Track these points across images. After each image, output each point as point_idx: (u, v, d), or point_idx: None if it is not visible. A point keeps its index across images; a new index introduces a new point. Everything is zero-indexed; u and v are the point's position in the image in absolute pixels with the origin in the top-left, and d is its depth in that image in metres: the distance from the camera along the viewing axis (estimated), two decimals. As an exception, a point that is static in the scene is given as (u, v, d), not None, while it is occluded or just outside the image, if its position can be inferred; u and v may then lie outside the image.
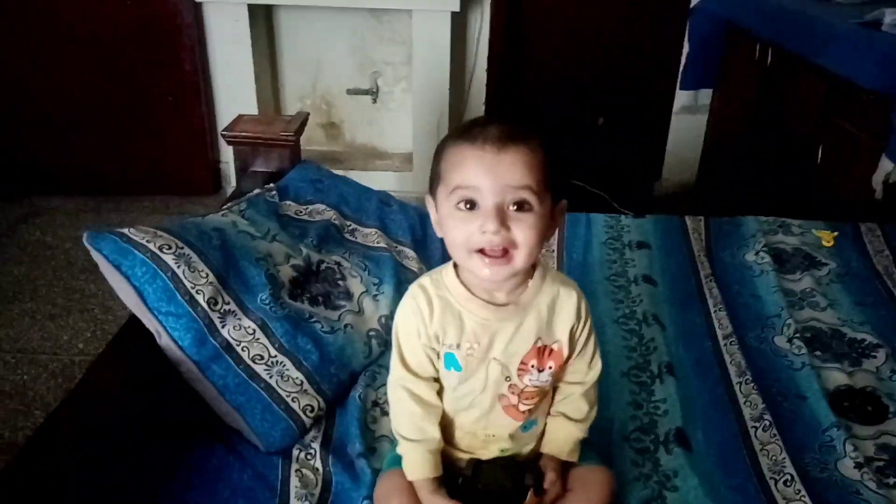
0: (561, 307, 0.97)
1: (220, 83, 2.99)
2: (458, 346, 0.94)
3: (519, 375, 0.96)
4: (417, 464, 0.96)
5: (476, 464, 0.97)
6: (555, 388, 1.03)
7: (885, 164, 1.85)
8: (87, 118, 2.98)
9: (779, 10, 2.39)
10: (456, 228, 0.88)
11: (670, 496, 1.04)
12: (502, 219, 0.85)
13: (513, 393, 0.96)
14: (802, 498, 1.04)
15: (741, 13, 2.64)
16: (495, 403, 0.97)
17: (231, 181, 2.82)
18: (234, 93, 2.92)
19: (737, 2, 2.68)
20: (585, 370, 1.02)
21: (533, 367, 0.96)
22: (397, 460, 1.00)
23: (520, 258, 0.87)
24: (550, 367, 0.97)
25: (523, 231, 0.86)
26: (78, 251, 2.56)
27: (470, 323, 0.94)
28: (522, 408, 0.97)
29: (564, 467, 1.00)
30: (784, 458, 1.11)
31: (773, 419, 1.19)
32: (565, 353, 0.98)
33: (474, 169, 0.85)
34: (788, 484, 1.07)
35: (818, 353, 1.36)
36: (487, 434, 0.99)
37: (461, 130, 0.89)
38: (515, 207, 0.86)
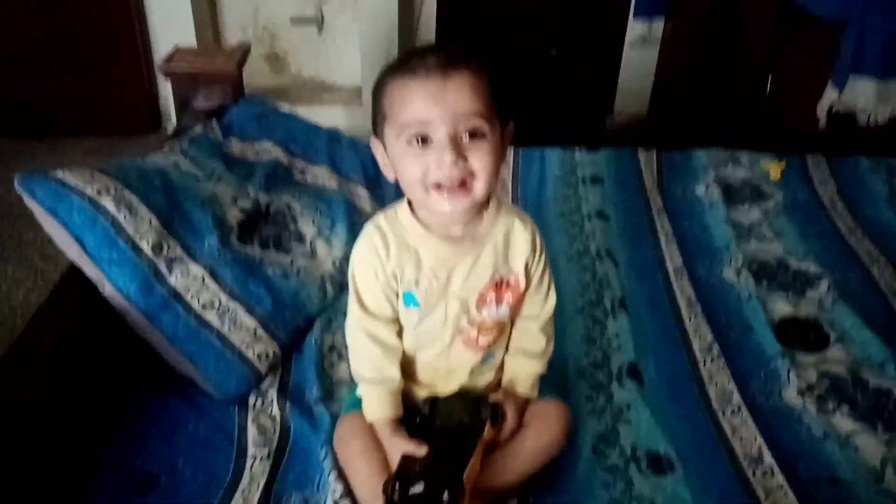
0: (516, 239, 0.97)
1: (155, 12, 2.81)
2: (417, 282, 0.94)
3: (478, 309, 0.96)
4: (377, 405, 0.96)
5: (432, 401, 0.97)
6: (512, 323, 1.03)
7: (830, 93, 1.87)
8: (12, 55, 2.78)
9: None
10: (410, 167, 0.86)
11: (623, 429, 1.07)
12: (458, 150, 0.83)
13: (471, 326, 0.97)
14: (748, 427, 1.08)
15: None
16: (455, 337, 0.97)
17: (171, 119, 2.70)
18: (170, 23, 2.75)
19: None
20: (541, 303, 1.03)
21: (491, 300, 0.96)
22: (356, 403, 1.00)
23: (479, 187, 0.87)
24: (508, 301, 0.98)
25: (480, 159, 0.85)
26: (11, 196, 2.41)
27: (427, 259, 0.93)
28: (482, 341, 0.98)
29: (523, 404, 1.01)
30: (732, 388, 1.15)
31: (722, 350, 1.23)
32: (522, 284, 0.98)
33: (421, 102, 0.83)
34: (735, 413, 1.11)
35: (764, 283, 1.40)
36: (448, 369, 0.99)
37: (399, 63, 0.86)
38: (469, 137, 0.84)
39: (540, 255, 1.00)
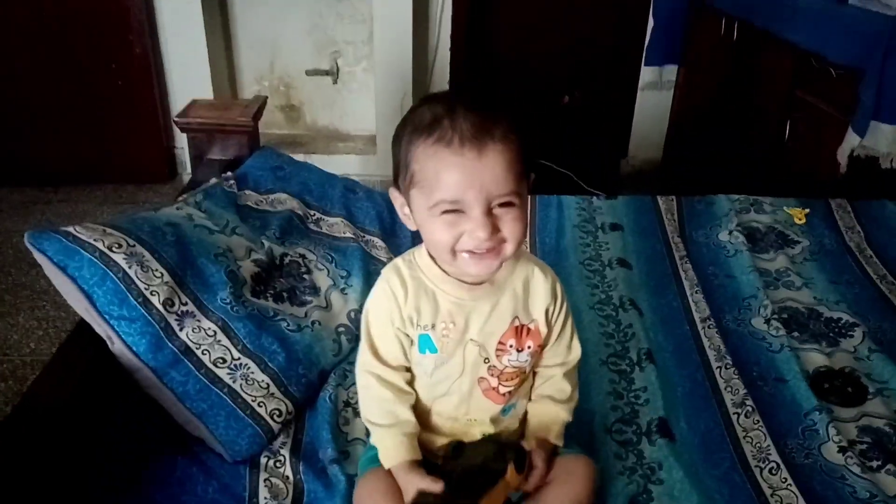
0: (536, 286, 0.96)
1: (173, 66, 2.86)
2: (434, 326, 0.92)
3: (497, 356, 0.94)
4: (392, 448, 0.93)
5: (458, 444, 0.93)
6: (534, 374, 1.01)
7: (852, 138, 1.84)
8: (34, 105, 2.83)
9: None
10: (440, 232, 0.84)
11: (656, 489, 1.01)
12: (493, 224, 0.83)
13: (492, 375, 0.94)
14: (789, 486, 1.02)
15: (705, -13, 2.61)
16: (475, 387, 0.94)
17: (187, 167, 2.72)
18: (187, 76, 2.80)
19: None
20: (565, 353, 1.01)
21: (511, 346, 0.94)
22: (373, 460, 0.96)
23: (508, 250, 0.87)
24: (529, 347, 0.95)
25: (511, 226, 0.85)
26: (24, 245, 2.43)
27: (445, 303, 0.92)
28: (503, 390, 0.95)
29: (551, 451, 0.97)
30: (768, 445, 1.09)
31: (755, 404, 1.17)
32: (543, 332, 0.97)
33: (457, 182, 0.81)
34: (774, 472, 1.04)
35: (796, 333, 1.35)
36: (469, 419, 0.96)
37: (428, 124, 0.82)
38: (500, 205, 0.83)
39: (561, 304, 0.98)
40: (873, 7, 1.84)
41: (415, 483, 0.88)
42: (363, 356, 0.95)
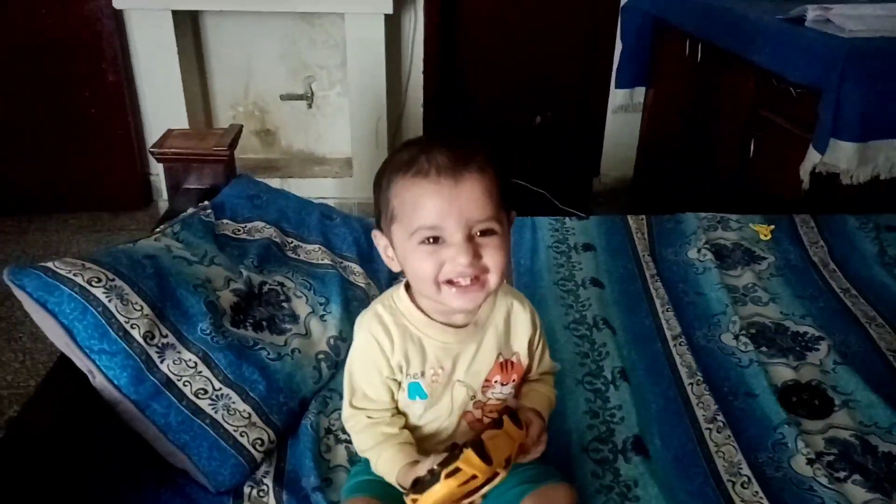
0: (516, 320, 0.98)
1: (147, 93, 2.86)
2: (423, 373, 0.93)
3: (483, 391, 0.96)
4: (390, 460, 0.91)
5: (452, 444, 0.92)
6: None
7: (813, 155, 1.90)
8: (6, 134, 2.81)
9: (706, 7, 2.44)
10: (423, 263, 0.85)
11: (632, 507, 1.04)
12: (474, 250, 0.83)
13: (476, 408, 0.96)
14: (760, 499, 1.05)
15: (670, 10, 2.68)
16: (461, 422, 0.96)
17: (163, 194, 2.72)
18: (161, 102, 2.80)
19: (666, -1, 2.72)
20: (543, 367, 1.04)
21: (497, 382, 0.96)
22: (356, 488, 0.97)
23: (492, 281, 0.87)
24: (514, 380, 0.98)
25: (492, 255, 0.85)
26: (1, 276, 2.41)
27: (431, 348, 0.92)
28: (486, 420, 0.97)
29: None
30: (740, 460, 1.12)
31: (726, 419, 1.21)
32: (525, 363, 0.99)
33: (435, 207, 0.82)
34: (746, 486, 1.08)
35: (764, 348, 1.39)
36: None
37: (406, 161, 0.85)
38: (481, 234, 0.84)
39: (541, 333, 1.02)
40: (829, 29, 1.92)
41: (420, 467, 0.86)
42: (349, 403, 0.96)
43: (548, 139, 3.29)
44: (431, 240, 0.83)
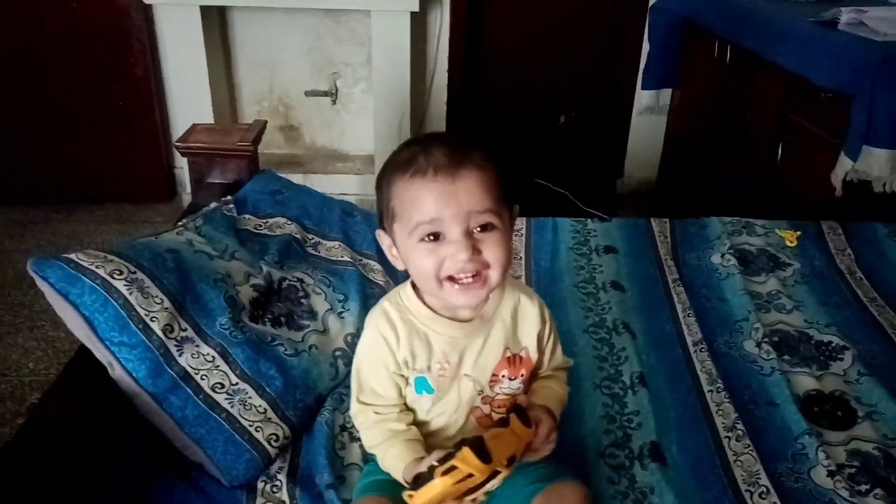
0: (524, 314, 0.98)
1: (174, 87, 2.90)
2: (429, 368, 0.93)
3: (491, 387, 0.96)
4: (398, 457, 0.92)
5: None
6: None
7: (845, 162, 1.86)
8: (34, 125, 2.87)
9: (736, 8, 2.41)
10: (424, 260, 0.86)
11: (647, 514, 1.03)
12: (472, 245, 0.84)
13: (485, 403, 0.96)
14: (778, 511, 1.03)
15: (700, 11, 2.65)
16: (469, 417, 0.96)
17: (187, 187, 2.75)
18: (188, 96, 2.83)
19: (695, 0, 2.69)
20: (555, 363, 1.04)
21: (504, 376, 0.96)
22: (368, 487, 0.97)
23: (494, 276, 0.87)
24: (522, 375, 0.98)
25: (493, 250, 0.86)
26: (26, 265, 2.45)
27: (438, 343, 0.93)
28: (495, 416, 0.97)
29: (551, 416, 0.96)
30: (758, 470, 1.11)
31: (746, 428, 1.19)
32: (534, 358, 0.99)
33: (433, 203, 0.83)
34: (764, 496, 1.06)
35: (786, 357, 1.36)
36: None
37: (405, 161, 0.86)
38: (480, 229, 0.85)
39: (551, 327, 1.01)
40: (862, 32, 1.88)
41: (425, 462, 0.85)
42: (357, 399, 0.97)
43: (572, 139, 3.27)
44: (431, 237, 0.84)
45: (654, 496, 1.05)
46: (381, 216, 0.92)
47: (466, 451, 0.80)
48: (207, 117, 2.78)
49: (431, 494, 0.80)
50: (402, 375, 0.94)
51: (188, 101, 2.82)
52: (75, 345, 1.14)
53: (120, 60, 2.81)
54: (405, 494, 0.84)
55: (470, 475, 0.80)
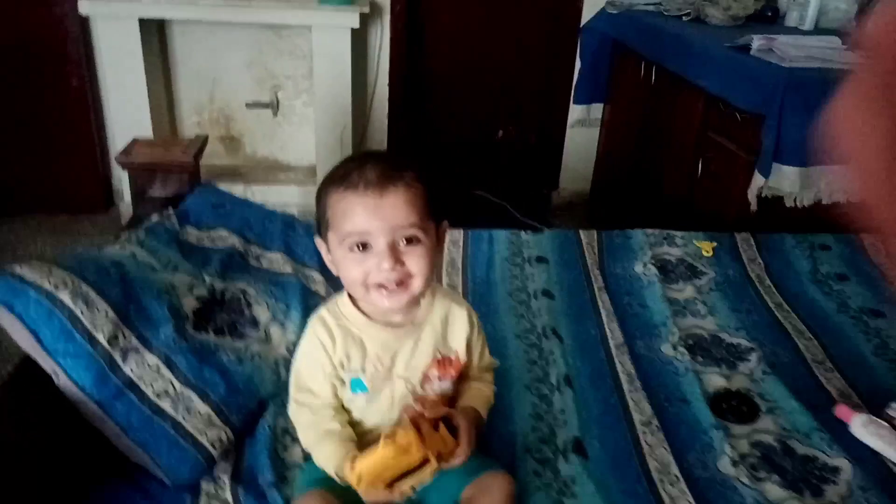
0: (454, 320, 1.07)
1: (112, 98, 2.87)
2: (364, 369, 1.01)
3: (422, 386, 1.04)
4: (333, 455, 0.97)
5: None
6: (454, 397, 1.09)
7: (758, 179, 2.01)
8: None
9: (659, 33, 2.56)
10: (352, 269, 0.94)
11: (569, 502, 1.11)
12: (396, 256, 0.93)
13: (417, 402, 1.03)
14: (686, 497, 1.13)
15: (626, 33, 2.80)
16: (401, 416, 1.03)
17: (124, 197, 2.73)
18: (126, 108, 2.81)
19: (622, 22, 2.83)
20: (483, 363, 1.13)
21: (434, 377, 1.05)
22: (309, 483, 1.02)
23: (416, 285, 0.96)
24: (452, 376, 1.06)
25: (416, 262, 0.95)
26: None
27: (371, 346, 1.01)
28: (428, 415, 1.02)
29: (475, 419, 1.04)
30: (670, 460, 1.21)
31: (661, 423, 1.29)
32: (463, 359, 1.08)
33: (362, 215, 0.92)
34: (674, 484, 1.16)
35: (700, 358, 1.48)
36: None
37: (340, 176, 0.94)
38: (405, 242, 0.94)
39: (479, 331, 1.10)
40: (772, 58, 2.03)
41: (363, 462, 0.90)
42: (294, 399, 1.03)
43: (509, 152, 3.39)
44: (360, 247, 0.93)
45: (575, 486, 1.14)
46: (319, 225, 1.00)
47: (407, 424, 0.90)
48: (146, 128, 2.77)
49: (374, 460, 0.89)
50: (339, 377, 1.01)
51: (126, 113, 2.80)
52: (15, 357, 1.16)
53: (56, 71, 2.78)
54: (348, 458, 0.92)
55: (407, 450, 0.89)
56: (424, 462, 0.90)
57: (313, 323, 1.03)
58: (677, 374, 1.43)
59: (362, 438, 1.02)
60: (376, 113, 3.17)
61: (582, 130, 3.21)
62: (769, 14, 2.64)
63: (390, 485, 0.90)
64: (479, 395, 1.09)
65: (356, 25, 2.73)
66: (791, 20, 2.52)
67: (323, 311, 1.03)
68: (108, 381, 1.09)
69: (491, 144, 3.36)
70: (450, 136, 3.27)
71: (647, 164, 2.71)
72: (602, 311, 1.63)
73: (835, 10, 2.49)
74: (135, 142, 1.72)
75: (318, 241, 1.02)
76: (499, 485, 1.03)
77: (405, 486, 0.91)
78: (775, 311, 1.67)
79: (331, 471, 0.98)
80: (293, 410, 1.05)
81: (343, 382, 1.02)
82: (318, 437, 1.01)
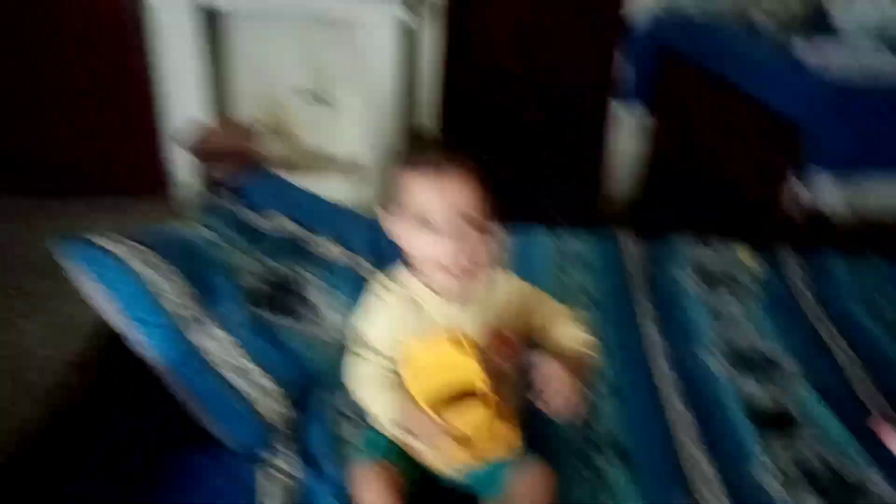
0: (512, 299, 1.12)
1: (169, 83, 2.96)
2: (421, 334, 1.05)
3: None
4: (393, 401, 1.03)
5: None
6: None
7: (803, 192, 2.01)
8: (29, 116, 2.93)
9: (709, 38, 2.56)
10: (420, 248, 1.02)
11: (606, 499, 1.16)
12: (460, 238, 0.99)
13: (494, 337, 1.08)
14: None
15: (675, 37, 2.80)
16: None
17: (178, 182, 2.83)
18: (181, 93, 2.90)
19: (671, 26, 2.84)
20: (562, 314, 1.15)
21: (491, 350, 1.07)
22: (368, 452, 1.09)
23: (478, 268, 1.03)
24: (510, 356, 1.09)
25: (478, 247, 1.01)
26: (30, 253, 2.45)
27: (434, 315, 1.06)
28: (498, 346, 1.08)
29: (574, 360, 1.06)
30: (709, 469, 1.24)
31: (700, 431, 1.32)
32: (520, 340, 1.11)
33: (429, 197, 0.99)
34: (712, 491, 1.19)
35: (739, 368, 1.49)
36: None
37: (415, 159, 1.03)
38: (472, 226, 1.00)
39: (538, 297, 1.15)
40: (817, 66, 2.01)
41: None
42: (355, 353, 1.09)
43: (554, 152, 3.41)
44: (426, 226, 1.00)
45: (615, 487, 1.18)
46: (389, 202, 1.07)
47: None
48: (198, 113, 2.84)
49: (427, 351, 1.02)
50: (399, 340, 1.06)
51: (183, 98, 2.88)
52: (81, 332, 1.23)
53: (115, 55, 2.87)
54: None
55: (460, 345, 0.99)
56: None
57: (375, 286, 1.10)
58: (717, 383, 1.45)
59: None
60: (426, 108, 3.22)
61: (630, 135, 3.21)
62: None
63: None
64: (572, 334, 1.11)
65: (406, 18, 2.79)
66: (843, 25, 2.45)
67: (384, 280, 1.11)
68: (177, 347, 1.16)
69: (537, 142, 3.39)
70: (497, 133, 3.32)
71: (694, 168, 2.70)
72: (643, 316, 1.65)
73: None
74: (198, 126, 1.80)
75: (385, 217, 1.08)
76: (542, 476, 1.07)
77: (457, 422, 0.96)
78: (818, 326, 1.67)
79: (387, 418, 1.04)
80: (352, 363, 1.10)
81: (401, 345, 1.06)
82: (378, 387, 1.06)
